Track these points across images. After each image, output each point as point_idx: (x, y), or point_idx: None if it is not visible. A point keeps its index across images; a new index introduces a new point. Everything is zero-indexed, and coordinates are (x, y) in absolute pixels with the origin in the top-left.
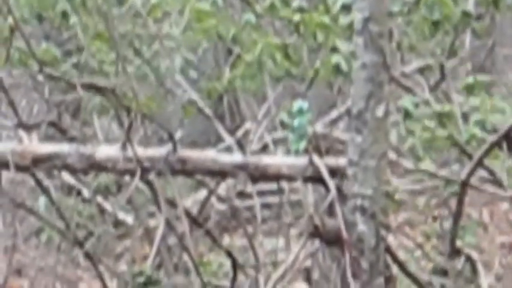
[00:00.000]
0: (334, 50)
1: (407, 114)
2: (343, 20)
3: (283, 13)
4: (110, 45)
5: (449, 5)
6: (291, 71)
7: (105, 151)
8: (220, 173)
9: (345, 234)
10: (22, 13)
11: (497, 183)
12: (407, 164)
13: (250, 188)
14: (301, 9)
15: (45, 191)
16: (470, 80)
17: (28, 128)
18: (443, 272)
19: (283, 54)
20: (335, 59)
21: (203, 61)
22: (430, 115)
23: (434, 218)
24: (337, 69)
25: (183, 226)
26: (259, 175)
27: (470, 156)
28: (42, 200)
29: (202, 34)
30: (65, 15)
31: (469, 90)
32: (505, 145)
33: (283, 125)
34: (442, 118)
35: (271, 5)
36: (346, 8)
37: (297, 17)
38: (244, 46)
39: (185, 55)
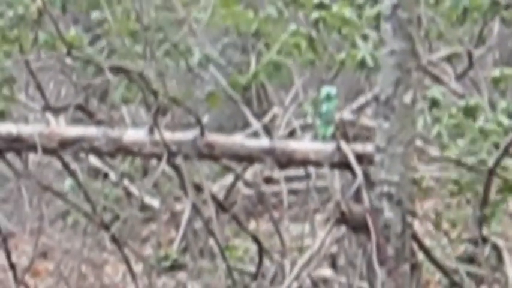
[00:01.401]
0: (354, 45)
1: (434, 103)
2: (369, 10)
3: (303, 9)
4: (138, 29)
5: None
6: (315, 61)
7: (132, 135)
8: (247, 158)
9: (371, 220)
10: None
11: None
12: (434, 151)
13: (277, 173)
14: (321, 5)
15: (72, 173)
16: (496, 72)
17: (55, 110)
18: (469, 260)
19: (308, 43)
20: (361, 53)
21: (231, 46)
22: (456, 103)
23: (468, 201)
24: (362, 63)
25: (210, 210)
26: (286, 160)
27: (497, 145)
28: (68, 183)
29: (228, 20)
30: None
31: (496, 83)
32: None
33: (308, 114)
34: (468, 110)
35: None
36: None
37: (315, 15)
38: (266, 40)
39: (206, 51)
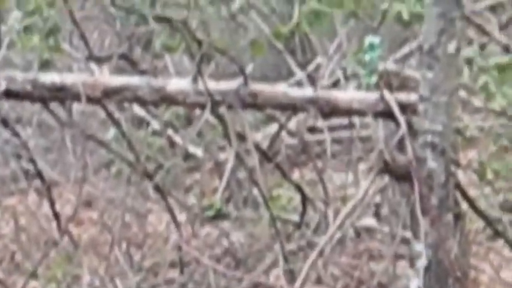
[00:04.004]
0: None
1: (469, 62)
2: None
3: None
4: None
5: None
6: (357, 13)
7: (176, 84)
8: (291, 107)
9: (415, 170)
10: None
11: None
12: (477, 102)
13: (320, 123)
14: None
15: (115, 123)
16: None
17: (99, 60)
18: None
19: None
20: (397, 7)
21: None
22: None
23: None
24: (399, 18)
25: (253, 160)
26: (329, 110)
27: None
28: (112, 132)
29: None
30: None
31: None
32: None
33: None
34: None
35: None
36: None
37: None
38: None
39: None
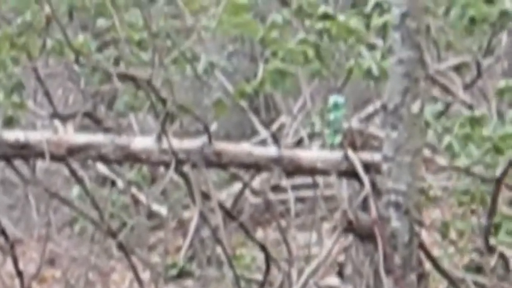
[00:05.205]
0: (360, 55)
1: (441, 114)
2: (377, 20)
3: (310, 19)
4: (147, 36)
5: (480, 7)
6: (322, 72)
7: (140, 142)
8: (255, 166)
9: (378, 229)
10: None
11: None
12: (442, 161)
13: (284, 182)
14: (326, 16)
15: (79, 181)
16: (501, 84)
17: (63, 118)
18: (477, 269)
19: (315, 53)
20: (367, 63)
21: (239, 54)
22: (464, 113)
23: (472, 211)
24: (368, 73)
25: (217, 219)
26: (293, 169)
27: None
28: (76, 190)
29: (235, 28)
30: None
31: (501, 94)
32: None
33: (315, 122)
34: (475, 121)
35: (298, 8)
36: (379, 6)
37: (319, 26)
38: (273, 48)
39: (212, 58)
